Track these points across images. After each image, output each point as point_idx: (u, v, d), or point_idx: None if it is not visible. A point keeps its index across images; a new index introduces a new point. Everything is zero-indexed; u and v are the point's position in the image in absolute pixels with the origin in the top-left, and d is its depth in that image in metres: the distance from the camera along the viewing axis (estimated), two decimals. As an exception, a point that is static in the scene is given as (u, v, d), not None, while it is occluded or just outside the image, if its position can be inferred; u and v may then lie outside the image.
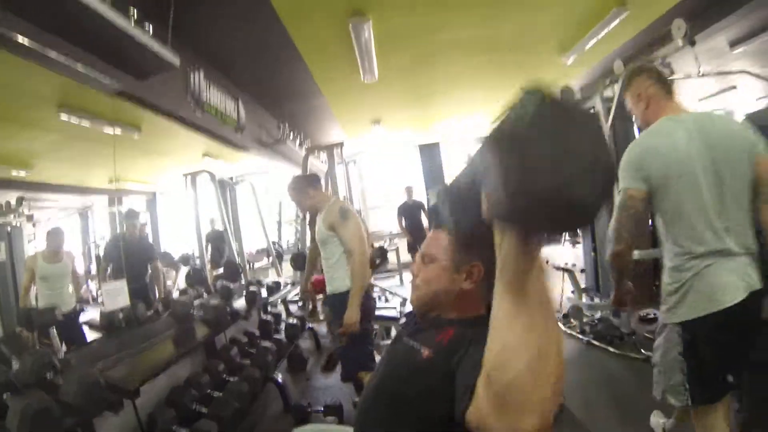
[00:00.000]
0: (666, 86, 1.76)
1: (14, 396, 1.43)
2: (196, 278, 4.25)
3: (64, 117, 3.42)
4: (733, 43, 5.66)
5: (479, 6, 3.35)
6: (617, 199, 1.63)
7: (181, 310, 2.74)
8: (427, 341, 1.02)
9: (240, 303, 3.52)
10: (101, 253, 4.59)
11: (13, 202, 4.58)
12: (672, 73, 3.45)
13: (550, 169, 0.43)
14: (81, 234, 4.66)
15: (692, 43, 2.94)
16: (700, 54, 3.78)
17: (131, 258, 3.37)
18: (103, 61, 2.17)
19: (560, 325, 3.73)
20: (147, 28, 2.11)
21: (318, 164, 6.28)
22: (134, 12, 2.04)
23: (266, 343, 3.19)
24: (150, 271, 3.80)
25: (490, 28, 3.81)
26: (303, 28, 3.36)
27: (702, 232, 1.50)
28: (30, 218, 4.37)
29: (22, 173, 4.74)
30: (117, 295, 2.63)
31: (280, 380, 2.95)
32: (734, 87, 8.85)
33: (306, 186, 2.85)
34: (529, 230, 0.51)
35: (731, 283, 1.47)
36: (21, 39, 1.76)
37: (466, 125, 7.97)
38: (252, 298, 3.58)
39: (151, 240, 4.44)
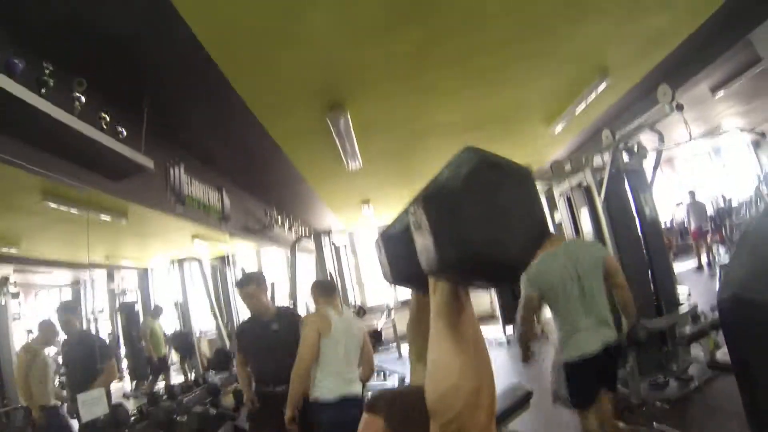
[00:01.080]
0: None
1: None
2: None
3: (50, 205, 3.44)
4: (714, 89, 5.76)
5: (463, 88, 3.37)
6: (521, 300, 2.51)
7: (163, 417, 2.55)
8: None
9: (230, 399, 3.28)
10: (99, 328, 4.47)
11: None
12: (662, 140, 3.42)
13: (479, 227, 0.45)
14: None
15: (680, 108, 2.91)
16: (684, 103, 3.79)
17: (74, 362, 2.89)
18: (77, 166, 2.17)
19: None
20: (120, 133, 2.14)
21: (309, 246, 6.25)
22: (106, 118, 2.07)
23: None
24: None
25: (476, 107, 3.83)
26: (280, 123, 3.39)
27: (574, 319, 2.42)
28: (16, 296, 4.27)
29: (12, 250, 4.75)
30: (94, 405, 2.45)
31: None
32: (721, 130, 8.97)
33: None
34: (459, 282, 0.57)
35: (592, 341, 2.38)
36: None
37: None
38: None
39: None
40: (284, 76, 2.82)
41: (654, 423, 2.85)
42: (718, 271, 6.88)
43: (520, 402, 2.52)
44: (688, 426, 2.72)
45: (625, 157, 3.68)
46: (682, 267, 7.83)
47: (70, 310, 3.48)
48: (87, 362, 3.03)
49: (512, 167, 0.51)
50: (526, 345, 2.67)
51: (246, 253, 6.13)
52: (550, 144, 4.51)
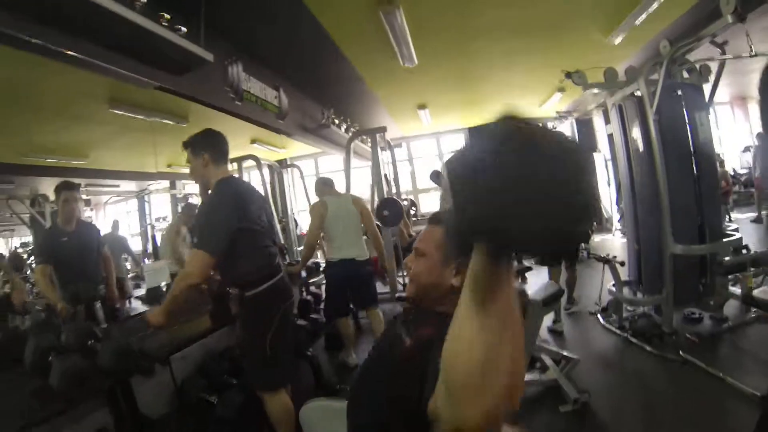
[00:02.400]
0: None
1: (58, 357, 1.63)
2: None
3: (115, 111, 3.73)
4: None
5: None
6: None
7: (217, 288, 2.90)
8: (411, 331, 1.07)
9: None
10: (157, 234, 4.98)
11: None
12: (723, 53, 3.18)
13: (514, 195, 0.42)
14: (138, 216, 5.07)
15: (742, 19, 2.68)
16: (756, 33, 3.46)
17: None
18: (140, 63, 2.34)
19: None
20: (179, 29, 2.28)
21: (364, 148, 6.38)
22: (166, 16, 2.21)
23: (302, 322, 3.30)
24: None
25: (529, 8, 3.71)
26: (334, 18, 3.42)
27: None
28: (87, 203, 4.79)
29: (81, 162, 5.24)
30: (158, 274, 2.88)
31: (312, 357, 3.06)
32: None
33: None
34: (493, 251, 0.50)
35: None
36: (68, 51, 1.97)
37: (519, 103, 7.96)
38: (291, 278, 3.63)
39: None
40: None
41: (680, 352, 2.89)
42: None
43: (553, 297, 2.61)
44: (714, 362, 2.70)
45: (685, 74, 3.48)
46: (739, 217, 7.40)
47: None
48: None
49: (558, 138, 0.46)
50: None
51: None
52: (608, 57, 4.27)
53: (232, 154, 2.24)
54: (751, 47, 3.00)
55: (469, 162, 0.47)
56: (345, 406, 1.51)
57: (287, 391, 2.15)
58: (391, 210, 3.85)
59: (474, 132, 0.57)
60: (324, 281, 3.79)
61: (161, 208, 6.25)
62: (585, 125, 9.71)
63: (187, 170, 2.16)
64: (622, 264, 3.58)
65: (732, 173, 9.05)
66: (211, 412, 2.21)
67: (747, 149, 9.00)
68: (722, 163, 8.08)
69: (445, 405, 0.61)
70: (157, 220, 5.81)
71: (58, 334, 1.88)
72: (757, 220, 7.45)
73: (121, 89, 3.44)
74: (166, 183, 5.60)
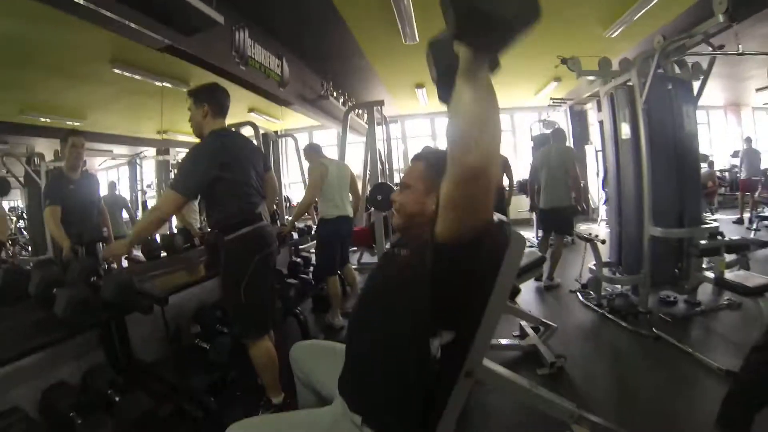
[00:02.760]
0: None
1: (62, 289, 1.72)
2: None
3: (116, 71, 3.77)
4: None
5: None
6: None
7: (213, 240, 2.97)
8: (406, 246, 1.26)
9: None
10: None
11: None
12: (714, 50, 3.30)
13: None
14: (129, 181, 5.13)
15: (733, 19, 2.80)
16: (756, 38, 3.59)
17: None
18: (152, 18, 2.40)
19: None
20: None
21: (360, 122, 6.47)
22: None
23: (292, 281, 3.42)
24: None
25: None
26: None
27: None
28: (84, 164, 4.85)
29: (76, 123, 5.25)
30: None
31: (300, 314, 3.17)
32: None
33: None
34: (473, 42, 0.72)
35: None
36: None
37: (507, 94, 8.16)
38: (282, 239, 3.72)
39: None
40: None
41: (654, 329, 3.04)
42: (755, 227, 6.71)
43: (536, 263, 2.74)
44: (684, 339, 2.86)
45: (676, 69, 3.60)
46: (722, 218, 7.59)
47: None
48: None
49: None
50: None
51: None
52: (605, 49, 4.36)
53: (230, 120, 2.30)
54: (738, 47, 3.12)
55: None
56: (333, 345, 1.64)
57: (270, 338, 2.24)
58: (385, 195, 3.96)
59: None
60: (313, 245, 4.02)
61: (152, 175, 6.28)
62: (579, 116, 9.89)
63: (181, 138, 2.26)
64: (603, 242, 3.73)
65: (719, 175, 9.26)
66: (204, 358, 2.32)
67: (736, 154, 9.22)
68: (711, 164, 8.30)
69: (451, 167, 0.80)
70: (149, 186, 5.87)
71: (62, 269, 1.98)
72: (738, 221, 7.64)
73: (125, 49, 3.46)
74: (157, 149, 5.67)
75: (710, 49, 3.31)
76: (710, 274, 3.29)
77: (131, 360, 2.15)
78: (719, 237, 3.34)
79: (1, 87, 4.13)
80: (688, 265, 3.40)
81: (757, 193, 7.78)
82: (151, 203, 4.88)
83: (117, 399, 1.76)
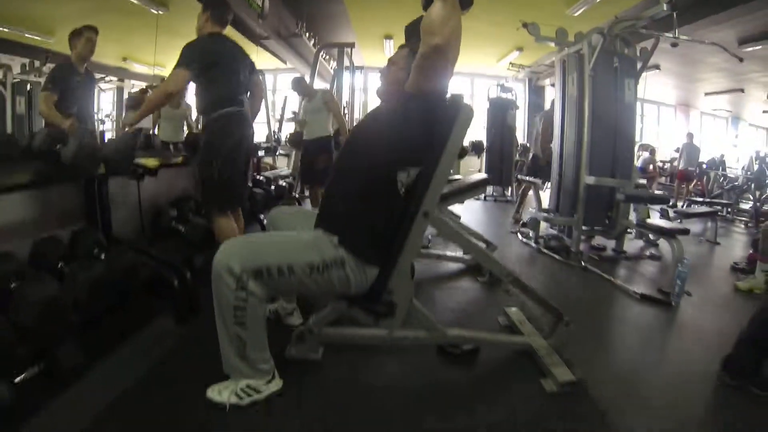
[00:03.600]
0: None
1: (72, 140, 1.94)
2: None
3: None
4: (742, 42, 5.97)
5: None
6: None
7: (192, 138, 3.09)
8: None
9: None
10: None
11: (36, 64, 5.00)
12: (654, 33, 3.77)
13: None
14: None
15: (674, 8, 3.25)
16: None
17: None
18: None
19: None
20: None
21: (326, 67, 6.63)
22: None
23: (258, 191, 3.68)
24: None
25: None
26: None
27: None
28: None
29: (47, 40, 5.14)
30: None
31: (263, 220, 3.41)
32: (742, 90, 9.16)
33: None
34: None
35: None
36: None
37: (470, 59, 8.46)
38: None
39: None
40: None
41: (582, 263, 3.53)
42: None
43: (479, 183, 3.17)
44: (608, 272, 3.34)
45: (621, 45, 4.04)
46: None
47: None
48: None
49: None
50: None
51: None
52: (567, 26, 4.69)
53: None
54: (675, 32, 3.57)
55: None
56: (307, 210, 1.94)
57: (236, 217, 2.49)
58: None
59: None
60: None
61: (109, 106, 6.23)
62: (537, 90, 10.76)
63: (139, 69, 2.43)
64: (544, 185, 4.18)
65: (660, 165, 10.09)
66: (179, 239, 2.57)
67: (678, 149, 10.05)
68: (653, 151, 9.03)
69: (423, 42, 1.27)
70: (107, 116, 5.85)
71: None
72: (672, 206, 8.43)
73: None
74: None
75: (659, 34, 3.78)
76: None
77: (111, 233, 2.35)
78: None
79: None
80: (616, 212, 3.91)
81: (692, 185, 8.59)
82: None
83: (102, 256, 1.97)
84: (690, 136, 9.26)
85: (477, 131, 8.34)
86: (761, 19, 5.10)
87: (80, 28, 2.84)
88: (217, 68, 2.31)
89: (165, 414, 1.39)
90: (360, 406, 1.49)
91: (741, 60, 4.03)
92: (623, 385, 1.71)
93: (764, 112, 10.11)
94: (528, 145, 8.04)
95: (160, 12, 4.78)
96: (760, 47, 6.20)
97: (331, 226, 1.48)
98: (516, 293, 2.37)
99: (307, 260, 1.37)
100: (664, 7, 3.38)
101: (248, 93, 2.56)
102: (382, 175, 1.46)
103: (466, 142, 7.62)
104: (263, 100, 2.93)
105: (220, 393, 1.42)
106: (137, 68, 6.85)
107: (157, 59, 6.62)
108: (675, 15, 3.48)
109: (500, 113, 7.55)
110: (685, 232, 3.13)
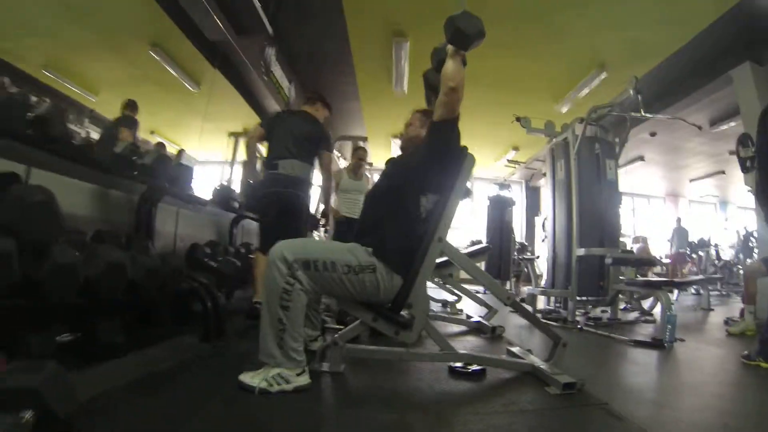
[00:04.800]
0: None
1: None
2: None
3: (152, 54, 4.38)
4: (713, 122, 6.72)
5: (498, 47, 4.44)
6: None
7: None
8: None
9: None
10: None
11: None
12: (629, 115, 4.39)
13: (463, 24, 1.71)
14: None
15: (638, 92, 3.90)
16: (685, 126, 4.80)
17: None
18: (218, 8, 3.10)
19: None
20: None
21: (338, 162, 7.27)
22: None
23: None
24: None
25: (503, 65, 4.87)
26: (359, 34, 4.41)
27: None
28: (87, 134, 5.30)
29: (90, 98, 5.68)
30: None
31: None
32: (723, 172, 9.87)
33: None
34: (455, 43, 1.76)
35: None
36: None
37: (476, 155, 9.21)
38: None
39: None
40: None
41: (579, 326, 3.73)
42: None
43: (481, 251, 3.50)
44: (603, 330, 3.57)
45: (601, 132, 4.65)
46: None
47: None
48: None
49: (472, 15, 1.73)
50: None
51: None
52: (556, 120, 5.41)
53: (230, 129, 3.09)
54: (641, 112, 4.19)
55: (456, 16, 1.73)
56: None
57: None
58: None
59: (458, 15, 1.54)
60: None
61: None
62: (533, 192, 11.38)
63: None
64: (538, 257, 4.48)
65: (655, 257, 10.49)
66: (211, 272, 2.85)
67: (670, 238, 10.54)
68: (645, 240, 9.50)
69: (443, 86, 1.77)
70: None
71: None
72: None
73: (170, 36, 3.99)
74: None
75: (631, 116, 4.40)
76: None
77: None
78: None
79: (37, 32, 4.46)
80: (607, 278, 4.20)
81: (686, 268, 8.94)
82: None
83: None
84: (678, 220, 9.86)
85: (477, 231, 8.88)
86: (724, 99, 5.71)
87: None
88: (271, 136, 2.98)
89: (192, 392, 1.58)
90: (379, 407, 1.59)
91: (700, 128, 4.61)
92: (619, 389, 1.97)
93: (749, 190, 10.64)
94: (526, 243, 8.62)
95: (194, 90, 5.37)
96: (727, 126, 6.80)
97: (365, 241, 1.80)
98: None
99: (346, 260, 1.67)
100: (630, 91, 4.04)
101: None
102: (408, 198, 1.83)
103: (466, 243, 8.15)
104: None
105: (253, 378, 1.60)
106: (169, 143, 7.44)
107: (178, 137, 7.27)
108: (639, 97, 4.12)
109: (499, 210, 7.99)
110: (671, 284, 3.42)
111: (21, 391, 1.01)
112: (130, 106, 4.15)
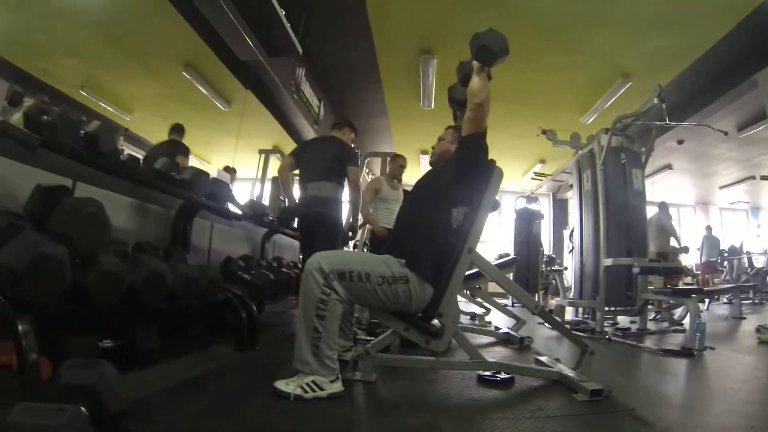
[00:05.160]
0: None
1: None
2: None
3: (185, 74, 4.56)
4: (741, 128, 6.56)
5: (519, 61, 4.47)
6: None
7: None
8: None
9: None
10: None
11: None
12: (655, 122, 4.36)
13: (489, 41, 1.80)
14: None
15: (662, 101, 3.88)
16: (712, 132, 4.75)
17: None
18: (250, 29, 3.20)
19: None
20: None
21: (367, 178, 7.37)
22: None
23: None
24: None
25: (528, 79, 4.93)
26: (387, 51, 4.51)
27: None
28: (122, 152, 5.54)
29: (124, 117, 5.91)
30: None
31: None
32: (754, 177, 9.56)
33: None
34: (481, 60, 1.85)
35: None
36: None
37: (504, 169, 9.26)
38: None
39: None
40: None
41: (607, 337, 3.70)
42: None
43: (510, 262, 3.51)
44: (632, 341, 3.53)
45: (627, 142, 4.61)
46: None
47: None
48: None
49: (496, 32, 1.82)
50: None
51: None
52: (582, 133, 5.40)
53: (261, 146, 3.22)
54: (666, 118, 4.14)
55: (482, 33, 1.82)
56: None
57: None
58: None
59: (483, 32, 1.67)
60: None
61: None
62: (560, 204, 11.13)
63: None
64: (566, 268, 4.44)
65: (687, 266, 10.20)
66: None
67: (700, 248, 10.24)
68: (673, 249, 9.26)
69: (469, 102, 1.86)
70: None
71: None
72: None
73: (202, 56, 4.17)
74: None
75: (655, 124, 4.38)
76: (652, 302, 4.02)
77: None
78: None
79: (75, 54, 4.63)
80: (635, 287, 4.13)
81: (718, 278, 8.67)
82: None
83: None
84: (709, 228, 9.58)
85: (504, 244, 8.81)
86: (751, 104, 5.60)
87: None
88: (302, 161, 3.25)
89: (228, 398, 1.63)
90: (410, 413, 1.62)
91: (726, 134, 4.52)
92: (647, 395, 1.98)
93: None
94: (554, 256, 8.56)
95: (225, 109, 5.55)
96: (755, 130, 6.64)
97: (398, 252, 1.86)
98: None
99: (380, 271, 1.74)
100: (655, 100, 4.02)
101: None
102: (440, 210, 1.91)
103: (494, 256, 8.13)
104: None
105: (287, 384, 1.64)
106: (192, 161, 7.68)
107: (209, 155, 7.48)
108: (664, 106, 4.09)
109: (526, 223, 8.03)
110: (700, 291, 3.34)
111: (79, 387, 1.10)
112: (177, 130, 4.34)
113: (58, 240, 1.43)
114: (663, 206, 7.26)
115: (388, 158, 4.29)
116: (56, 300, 1.41)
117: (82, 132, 1.85)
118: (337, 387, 1.69)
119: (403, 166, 4.42)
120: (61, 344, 1.49)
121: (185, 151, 4.17)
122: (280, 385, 1.65)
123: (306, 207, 3.12)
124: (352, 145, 3.49)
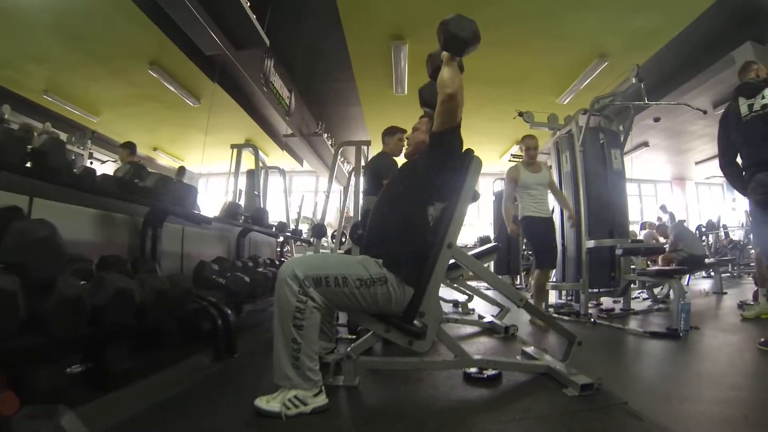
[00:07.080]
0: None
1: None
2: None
3: (152, 73, 4.43)
4: (716, 105, 6.63)
5: (497, 45, 4.43)
6: None
7: None
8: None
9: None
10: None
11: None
12: (633, 102, 4.34)
13: (457, 28, 1.62)
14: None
15: (640, 80, 3.85)
16: (688, 110, 4.75)
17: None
18: (215, 23, 3.10)
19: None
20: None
21: (342, 170, 7.25)
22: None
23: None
24: None
25: (499, 63, 4.82)
26: (357, 37, 4.39)
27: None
28: (91, 155, 5.40)
29: (92, 119, 5.74)
30: None
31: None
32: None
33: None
34: (450, 49, 1.69)
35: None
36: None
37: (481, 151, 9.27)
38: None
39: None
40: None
41: (592, 320, 3.70)
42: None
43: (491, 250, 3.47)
44: (617, 323, 3.54)
45: (605, 122, 4.60)
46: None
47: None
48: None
49: (466, 17, 1.65)
50: None
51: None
52: (558, 113, 5.37)
53: (232, 141, 3.08)
54: (645, 99, 4.13)
55: (449, 20, 1.64)
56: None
57: None
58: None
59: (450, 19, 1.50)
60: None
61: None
62: None
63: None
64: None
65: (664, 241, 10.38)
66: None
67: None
68: (652, 225, 9.35)
69: (440, 93, 1.70)
70: None
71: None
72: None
73: (168, 53, 4.04)
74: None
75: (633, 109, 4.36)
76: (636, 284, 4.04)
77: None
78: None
79: (38, 59, 4.46)
80: (618, 270, 4.15)
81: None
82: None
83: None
84: (669, 213, 9.53)
85: (484, 227, 8.68)
86: (728, 81, 5.54)
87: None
88: None
89: (210, 418, 1.56)
90: (397, 420, 1.57)
91: (705, 112, 4.51)
92: (638, 385, 1.96)
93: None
94: None
95: (195, 105, 5.40)
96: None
97: (375, 252, 1.78)
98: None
99: (358, 274, 1.65)
100: (633, 80, 3.99)
101: None
102: (415, 207, 1.81)
103: (474, 240, 8.10)
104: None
105: (268, 402, 1.55)
106: (163, 158, 7.52)
107: (180, 152, 7.30)
108: (642, 85, 4.07)
109: None
110: (683, 271, 3.36)
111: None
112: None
113: (9, 269, 1.32)
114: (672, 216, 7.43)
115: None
116: (14, 332, 1.31)
117: (29, 148, 1.72)
118: (322, 400, 1.60)
119: (533, 149, 3.92)
120: (27, 376, 1.39)
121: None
122: (261, 403, 1.56)
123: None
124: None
